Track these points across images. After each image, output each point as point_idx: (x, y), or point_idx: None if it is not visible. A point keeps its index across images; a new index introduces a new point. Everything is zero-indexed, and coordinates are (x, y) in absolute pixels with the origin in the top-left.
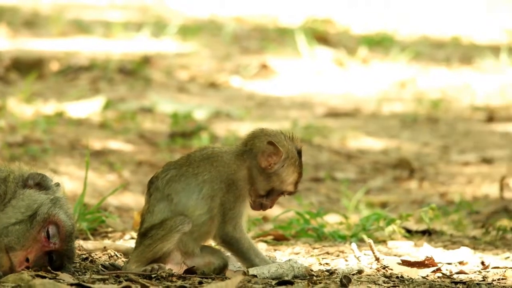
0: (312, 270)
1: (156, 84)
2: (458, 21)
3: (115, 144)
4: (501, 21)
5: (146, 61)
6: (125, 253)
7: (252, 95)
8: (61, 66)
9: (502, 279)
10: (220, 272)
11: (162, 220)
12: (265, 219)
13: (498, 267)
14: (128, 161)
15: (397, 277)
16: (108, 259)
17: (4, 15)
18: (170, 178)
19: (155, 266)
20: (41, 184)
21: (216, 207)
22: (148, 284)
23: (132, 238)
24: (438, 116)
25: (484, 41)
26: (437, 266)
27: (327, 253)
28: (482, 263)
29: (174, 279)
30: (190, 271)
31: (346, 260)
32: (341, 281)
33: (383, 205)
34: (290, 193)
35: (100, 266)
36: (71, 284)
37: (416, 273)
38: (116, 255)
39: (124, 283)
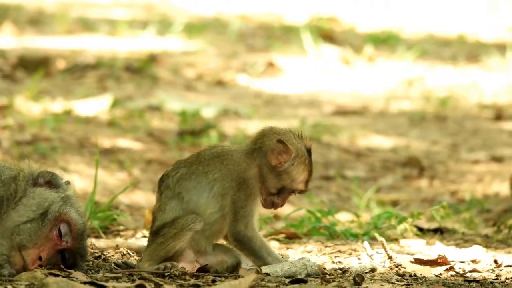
0: (325, 269)
1: (163, 82)
2: (463, 19)
3: (124, 142)
4: (505, 19)
5: (152, 59)
6: (138, 251)
7: (259, 93)
8: (68, 64)
9: None
10: (233, 270)
11: (173, 218)
12: (277, 217)
13: (511, 266)
14: (138, 159)
15: (410, 276)
16: (121, 257)
17: (9, 13)
18: (180, 176)
19: (168, 264)
20: (52, 182)
21: (227, 205)
22: (161, 283)
23: (144, 236)
24: (446, 114)
25: (490, 39)
26: (450, 264)
27: (340, 251)
28: (495, 261)
29: (187, 277)
30: (203, 269)
31: (359, 259)
32: (354, 279)
33: (394, 203)
34: (301, 191)
35: (113, 265)
36: (84, 283)
37: (429, 272)
38: (129, 253)
39: (138, 282)
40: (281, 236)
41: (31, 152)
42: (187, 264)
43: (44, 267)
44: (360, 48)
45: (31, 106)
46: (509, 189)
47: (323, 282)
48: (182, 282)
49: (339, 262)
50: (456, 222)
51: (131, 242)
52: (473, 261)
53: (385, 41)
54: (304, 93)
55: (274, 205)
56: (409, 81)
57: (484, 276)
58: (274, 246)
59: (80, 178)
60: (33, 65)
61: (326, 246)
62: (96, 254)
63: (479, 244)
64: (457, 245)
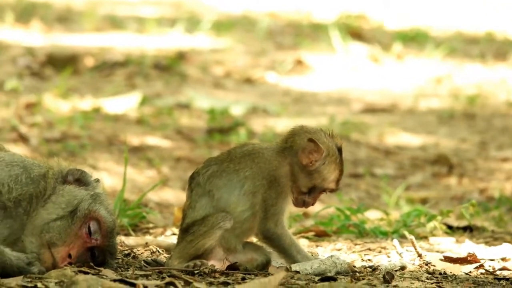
0: (354, 266)
1: (191, 80)
2: (492, 16)
3: (153, 140)
4: None
5: (181, 56)
6: (167, 249)
7: (288, 90)
8: (96, 62)
9: None
10: (263, 268)
11: (203, 216)
12: (306, 215)
13: None
14: (167, 157)
15: (440, 274)
16: (150, 255)
17: (37, 11)
18: (211, 174)
19: (198, 262)
20: (81, 180)
21: (258, 203)
22: (191, 280)
23: (174, 234)
24: (474, 112)
25: None
26: (479, 262)
27: (369, 249)
28: None
29: (217, 275)
30: (233, 267)
31: (388, 256)
32: (384, 277)
33: (423, 201)
34: (332, 190)
35: (142, 262)
36: (114, 280)
37: (459, 270)
38: (158, 251)
39: (167, 279)
40: (311, 234)
41: (60, 149)
42: (217, 262)
43: (74, 265)
44: (389, 45)
45: (59, 103)
46: None
47: (353, 280)
48: (212, 279)
49: (369, 260)
50: (486, 220)
51: (160, 239)
52: (503, 259)
53: (413, 39)
54: (332, 91)
55: (305, 204)
56: (437, 79)
57: None
58: (303, 244)
59: (109, 175)
60: (62, 62)
61: (355, 244)
62: (126, 252)
63: (509, 242)
64: (486, 243)
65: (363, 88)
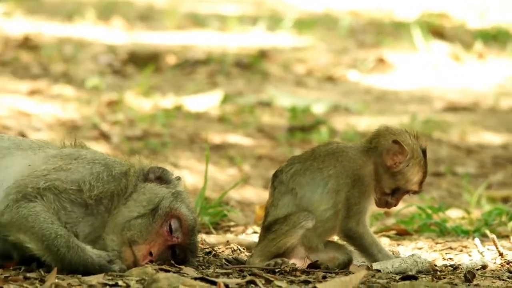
0: (435, 265)
1: (273, 78)
2: None
3: (234, 138)
4: None
5: (262, 55)
6: (248, 247)
7: (370, 89)
8: (178, 60)
9: None
10: (345, 267)
11: (286, 214)
12: (387, 214)
13: None
14: (248, 155)
15: None
16: (231, 253)
17: (119, 9)
18: (294, 172)
19: (279, 260)
20: (162, 178)
21: (341, 202)
22: (272, 279)
23: (255, 232)
24: None
25: None
26: None
27: (450, 248)
28: None
29: (298, 273)
30: (314, 265)
31: (470, 255)
32: (465, 276)
33: (505, 200)
34: (415, 192)
35: (223, 260)
36: (195, 278)
37: None
38: (239, 249)
39: (248, 277)
40: (392, 232)
41: (142, 147)
42: (298, 261)
43: (155, 263)
44: (470, 44)
45: (141, 101)
46: None
47: (434, 278)
48: (293, 278)
49: (450, 258)
50: None
51: (241, 238)
52: None
53: (495, 37)
54: (414, 89)
55: (387, 205)
56: None
57: None
58: (384, 242)
59: (190, 173)
60: (143, 60)
61: (436, 243)
62: (207, 250)
63: None
64: None
65: (445, 87)
